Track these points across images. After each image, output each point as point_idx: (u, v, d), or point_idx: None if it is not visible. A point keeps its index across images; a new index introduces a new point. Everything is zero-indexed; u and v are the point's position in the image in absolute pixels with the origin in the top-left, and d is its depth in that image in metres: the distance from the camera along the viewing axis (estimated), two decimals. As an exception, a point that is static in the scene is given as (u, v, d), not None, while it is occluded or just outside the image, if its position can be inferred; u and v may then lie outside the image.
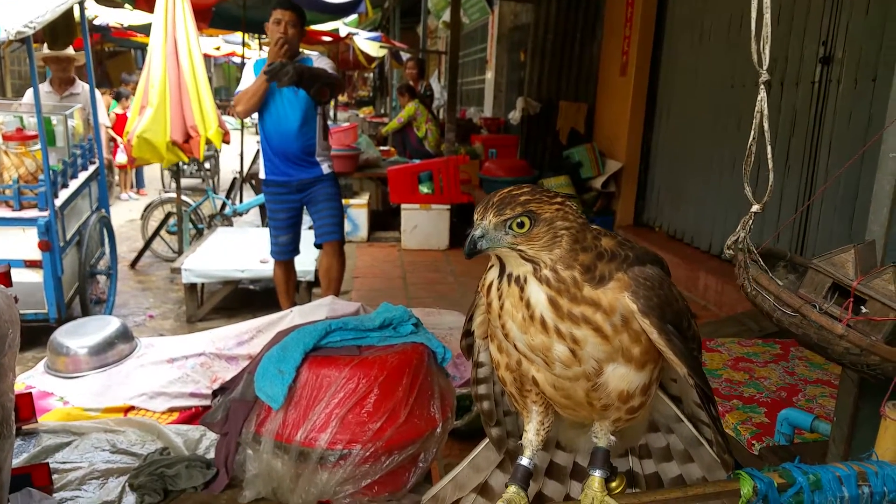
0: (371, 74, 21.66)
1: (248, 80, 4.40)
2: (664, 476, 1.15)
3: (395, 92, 10.36)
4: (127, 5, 7.72)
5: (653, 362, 0.96)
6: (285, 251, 4.63)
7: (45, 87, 5.70)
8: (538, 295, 0.91)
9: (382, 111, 16.44)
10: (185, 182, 9.38)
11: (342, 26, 11.70)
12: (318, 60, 4.51)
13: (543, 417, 1.05)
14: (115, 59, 16.25)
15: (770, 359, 2.92)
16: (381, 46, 12.89)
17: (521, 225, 0.90)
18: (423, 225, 6.83)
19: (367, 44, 12.55)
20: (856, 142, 3.85)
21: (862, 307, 1.22)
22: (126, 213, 8.74)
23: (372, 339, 2.11)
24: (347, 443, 1.83)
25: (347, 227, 7.11)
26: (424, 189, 7.00)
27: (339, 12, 8.22)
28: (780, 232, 4.45)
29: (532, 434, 1.05)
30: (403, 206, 6.88)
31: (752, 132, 1.00)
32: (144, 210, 6.98)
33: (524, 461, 1.05)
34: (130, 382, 3.25)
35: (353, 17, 11.08)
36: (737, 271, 1.29)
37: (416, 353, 2.07)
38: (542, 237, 0.90)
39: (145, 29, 8.85)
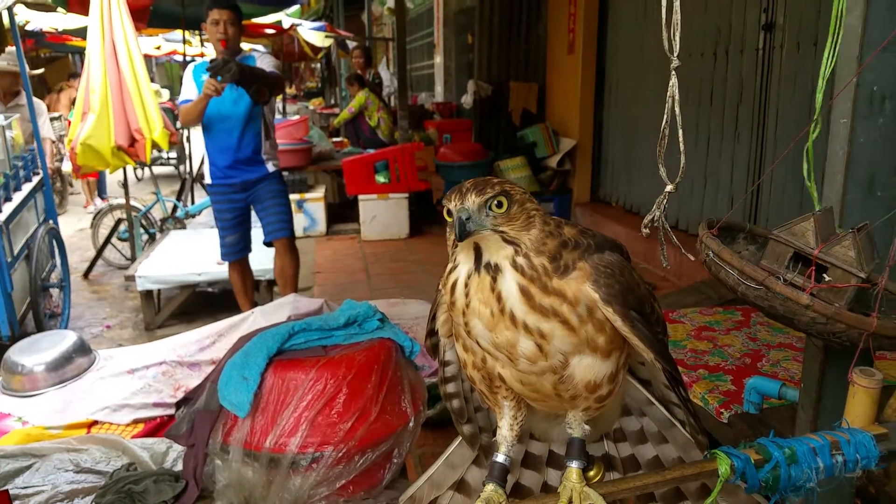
0: (318, 65, 21.39)
1: (188, 86, 4.35)
2: (640, 458, 1.16)
3: (344, 82, 10.25)
4: (60, 9, 7.46)
5: (618, 350, 0.95)
6: (234, 251, 4.58)
7: (-12, 99, 5.52)
8: (510, 285, 0.90)
9: (332, 101, 16.24)
10: (158, 170, 9.17)
11: (285, 18, 11.50)
12: (261, 59, 4.47)
13: (516, 412, 1.04)
14: (53, 65, 15.72)
15: (732, 326, 2.97)
16: (326, 36, 12.71)
17: (499, 205, 0.90)
18: (382, 215, 6.78)
19: (312, 34, 12.35)
20: (801, 106, 3.92)
21: (824, 275, 1.23)
22: (75, 222, 8.50)
23: (337, 338, 2.07)
24: (319, 445, 1.79)
25: (305, 221, 7.03)
26: (381, 178, 6.94)
27: (279, 3, 8.07)
28: (734, 199, 4.52)
29: (506, 430, 1.04)
30: (361, 196, 6.82)
31: (665, 116, 0.99)
32: (94, 218, 6.79)
33: (500, 458, 1.04)
34: (91, 397, 3.16)
35: (296, 7, 10.91)
36: (698, 247, 1.29)
37: (383, 348, 2.04)
38: (519, 217, 0.90)
39: (82, 32, 8.56)
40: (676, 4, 0.94)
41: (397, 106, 8.59)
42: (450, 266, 0.97)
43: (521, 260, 0.90)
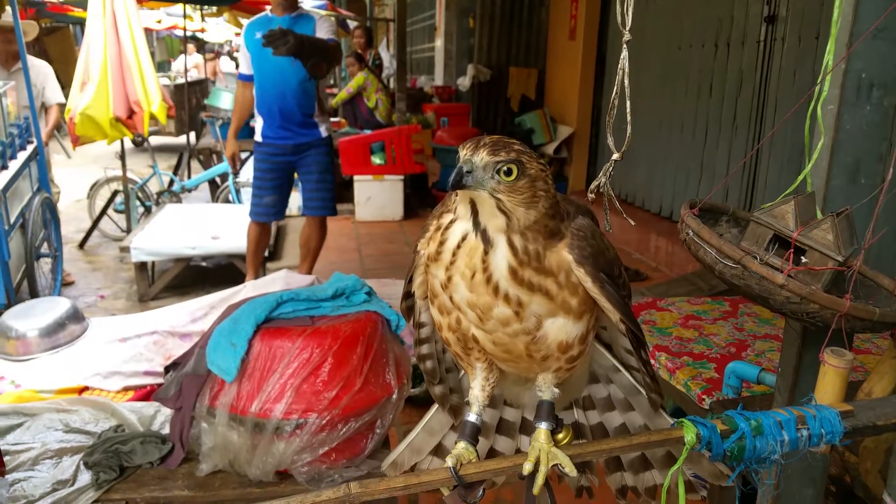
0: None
1: (243, 55, 4.22)
2: (608, 425, 1.19)
3: (344, 61, 10.22)
4: (61, -23, 7.43)
5: (589, 312, 0.97)
6: (269, 213, 4.45)
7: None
8: (501, 262, 0.90)
9: (332, 81, 16.18)
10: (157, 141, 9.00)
11: (287, -5, 11.41)
12: (320, 23, 4.19)
13: (488, 374, 1.06)
14: (53, 36, 15.60)
15: (719, 316, 2.99)
16: (327, 14, 12.62)
17: (508, 172, 0.87)
18: (377, 196, 6.79)
19: (314, 12, 12.28)
20: (801, 98, 3.93)
21: (802, 257, 1.25)
22: (72, 192, 8.49)
23: (325, 310, 2.09)
24: (303, 412, 1.82)
25: (300, 200, 7.02)
26: (377, 160, 6.94)
27: (283, -20, 8.01)
28: (729, 188, 4.54)
29: (478, 390, 1.07)
30: (356, 177, 6.83)
31: (615, 87, 1.00)
32: (90, 189, 6.79)
33: (471, 417, 1.06)
34: (83, 363, 3.20)
35: (299, -15, 10.81)
36: (679, 226, 1.31)
37: (369, 321, 2.06)
38: (524, 192, 0.88)
39: (83, 4, 8.51)
40: None
41: (396, 88, 8.58)
42: (445, 217, 0.95)
43: (517, 241, 0.89)
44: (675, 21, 5.23)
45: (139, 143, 10.43)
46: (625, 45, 1.00)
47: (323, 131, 4.31)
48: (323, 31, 4.05)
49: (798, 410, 1.05)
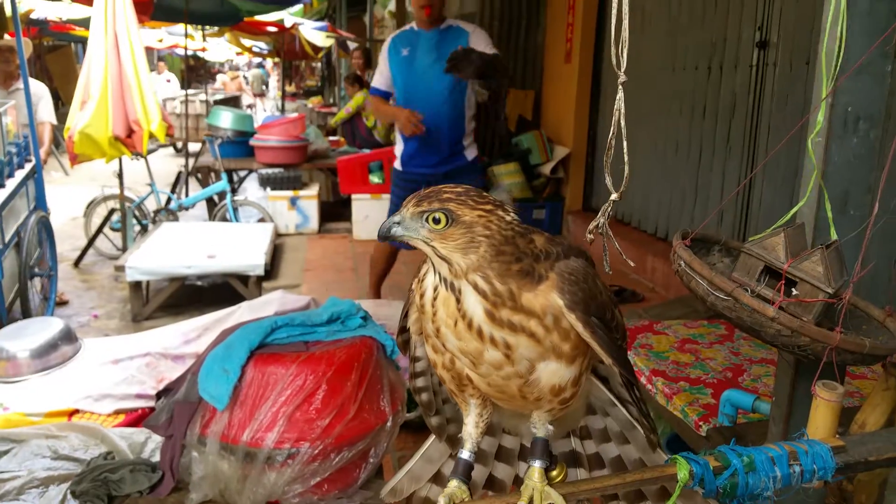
0: (318, 64, 21.42)
1: (382, 68, 3.84)
2: (605, 456, 1.19)
3: (343, 82, 10.27)
4: (66, -1, 7.49)
5: (582, 355, 0.97)
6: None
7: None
8: (475, 307, 0.91)
9: (331, 101, 16.26)
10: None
11: (287, 16, 11.53)
12: (475, 35, 3.64)
13: (482, 410, 1.06)
14: (55, 54, 15.72)
15: (716, 339, 2.98)
16: (327, 36, 12.74)
17: (436, 221, 0.90)
18: (375, 215, 6.79)
19: (314, 33, 12.39)
20: (793, 123, 3.95)
21: (793, 289, 1.25)
22: (69, 210, 8.49)
23: (319, 335, 2.09)
24: (295, 441, 1.81)
25: (298, 219, 7.05)
26: (375, 179, 6.96)
27: (283, 3, 8.10)
28: (724, 210, 4.55)
29: (471, 427, 1.06)
30: (354, 196, 6.83)
31: (612, 128, 1.01)
32: (87, 207, 6.79)
33: (465, 454, 1.06)
34: (74, 385, 3.17)
35: (299, 7, 10.93)
36: (671, 257, 1.31)
37: (364, 346, 2.05)
38: (458, 238, 0.90)
39: (85, 23, 8.59)
40: (625, 23, 0.96)
41: (395, 107, 8.61)
42: (423, 268, 0.98)
43: (481, 283, 0.90)
44: (669, 44, 5.27)
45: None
46: (620, 87, 1.01)
47: (469, 154, 3.83)
48: (482, 46, 3.52)
49: (790, 446, 1.04)
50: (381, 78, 3.87)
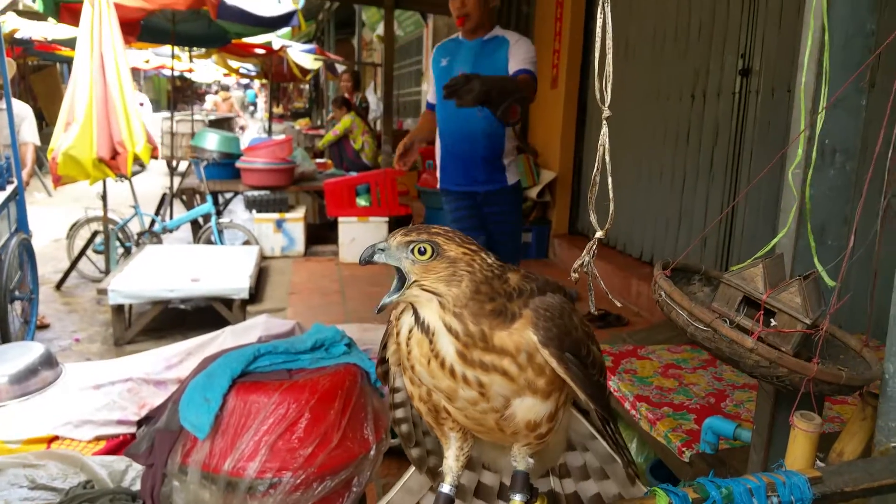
0: (306, 86, 21.52)
1: (430, 78, 3.70)
2: (583, 495, 1.18)
3: (331, 105, 10.31)
4: (50, 18, 7.48)
5: (558, 390, 0.98)
6: None
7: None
8: (448, 348, 0.92)
9: (319, 123, 16.32)
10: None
11: (275, 38, 11.59)
12: (516, 47, 3.40)
13: (462, 443, 1.06)
14: (40, 74, 15.69)
15: (699, 364, 3.00)
16: (315, 58, 12.81)
17: (422, 252, 0.92)
18: (362, 238, 6.79)
19: (302, 56, 12.46)
20: (775, 150, 4.01)
21: (772, 319, 1.27)
22: (52, 231, 8.43)
23: (303, 362, 2.08)
24: (277, 470, 1.79)
25: (283, 241, 7.03)
26: (362, 202, 6.97)
27: (271, 25, 8.14)
28: (707, 236, 4.59)
29: (452, 460, 1.06)
30: (341, 219, 6.83)
31: (597, 163, 1.03)
32: (70, 229, 6.75)
33: (445, 488, 1.06)
34: (54, 411, 3.12)
35: (287, 29, 10.99)
36: (653, 287, 1.32)
37: (348, 374, 2.04)
38: (441, 271, 0.91)
39: (70, 43, 8.59)
40: (609, 57, 0.98)
41: (382, 130, 8.65)
42: (399, 307, 0.99)
43: (454, 324, 0.92)
44: (653, 72, 5.35)
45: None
46: (605, 122, 1.02)
47: (510, 177, 3.58)
48: (517, 59, 3.34)
49: (768, 477, 1.05)
50: (430, 90, 3.76)
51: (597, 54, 1.02)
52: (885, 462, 1.15)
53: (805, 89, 1.37)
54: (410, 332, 0.95)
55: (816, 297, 1.27)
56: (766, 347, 1.17)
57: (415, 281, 0.92)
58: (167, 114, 10.65)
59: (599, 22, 1.00)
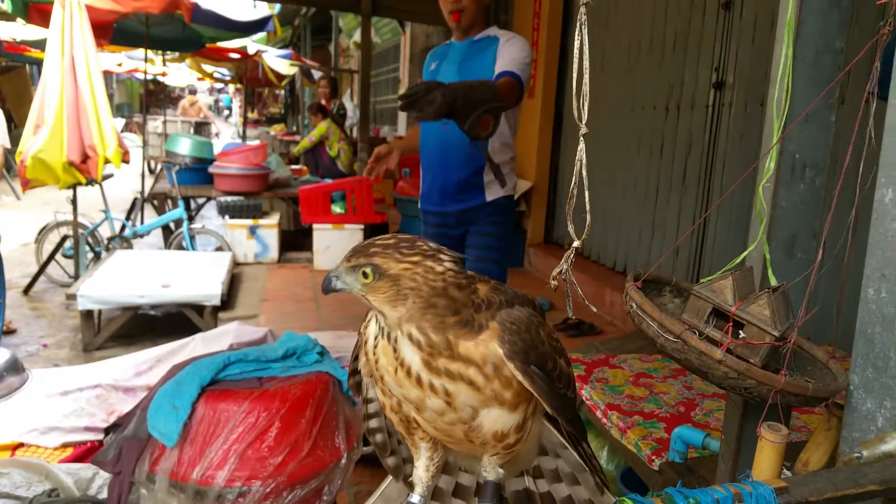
0: (282, 91, 21.43)
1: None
2: (556, 495, 1.20)
3: (307, 111, 10.28)
4: (19, 19, 7.36)
5: (526, 402, 0.98)
6: None
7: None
8: (412, 356, 0.93)
9: (294, 129, 16.24)
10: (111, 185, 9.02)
11: (251, 43, 11.53)
12: (508, 45, 3.08)
13: (432, 453, 1.06)
14: (8, 75, 15.43)
15: (669, 374, 3.03)
16: (291, 64, 12.76)
17: (365, 275, 0.92)
18: (336, 245, 6.76)
19: (278, 61, 12.39)
20: (747, 162, 4.07)
21: (741, 332, 1.28)
22: (20, 235, 8.29)
23: (274, 370, 2.06)
24: (247, 479, 1.77)
25: (257, 248, 6.97)
26: (337, 209, 6.94)
27: (246, 30, 8.10)
28: (680, 248, 4.64)
29: (422, 471, 1.07)
30: (315, 226, 6.80)
31: (574, 178, 1.04)
32: (39, 233, 6.63)
33: (415, 499, 1.06)
34: (20, 418, 3.06)
35: (262, 34, 10.95)
36: (624, 298, 1.33)
37: (320, 382, 2.03)
38: (386, 292, 0.91)
39: (40, 44, 8.46)
40: (586, 77, 0.99)
41: (358, 138, 8.64)
42: (368, 316, 1.00)
43: (416, 334, 0.92)
44: (628, 84, 5.41)
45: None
46: (581, 138, 1.03)
47: (489, 194, 3.20)
48: (504, 60, 3.01)
49: (735, 487, 1.06)
50: None
51: (574, 73, 1.03)
52: (848, 472, 1.17)
53: (777, 104, 1.40)
54: (376, 339, 0.96)
55: (785, 309, 1.28)
56: (735, 359, 1.19)
57: (365, 298, 0.93)
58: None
59: (577, 44, 1.01)
